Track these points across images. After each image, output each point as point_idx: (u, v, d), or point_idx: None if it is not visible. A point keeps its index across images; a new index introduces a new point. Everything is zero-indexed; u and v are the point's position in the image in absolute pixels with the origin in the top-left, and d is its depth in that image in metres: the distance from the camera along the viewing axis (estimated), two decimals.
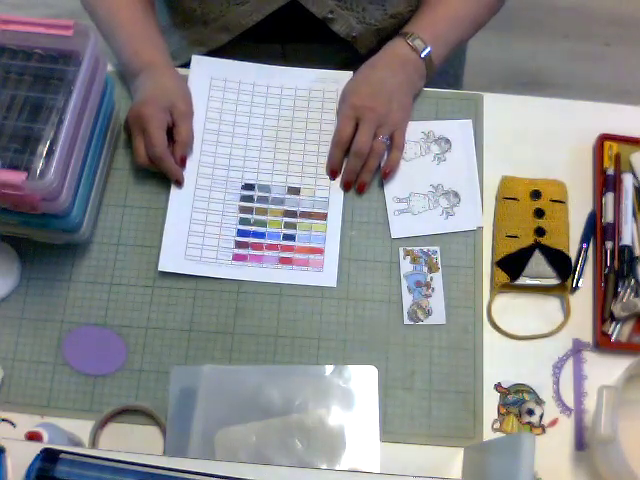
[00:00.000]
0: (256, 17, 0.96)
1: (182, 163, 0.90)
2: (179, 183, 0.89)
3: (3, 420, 0.81)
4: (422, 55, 0.91)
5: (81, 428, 0.80)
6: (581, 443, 0.81)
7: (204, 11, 0.98)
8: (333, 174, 0.91)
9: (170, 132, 0.89)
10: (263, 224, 0.89)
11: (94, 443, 0.79)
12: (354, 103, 0.90)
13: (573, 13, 1.95)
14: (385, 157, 0.91)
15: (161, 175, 0.90)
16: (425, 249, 0.88)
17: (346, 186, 0.91)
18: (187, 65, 0.98)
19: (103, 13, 0.94)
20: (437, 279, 0.87)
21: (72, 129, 0.77)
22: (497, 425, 0.82)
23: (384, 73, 0.91)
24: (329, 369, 0.83)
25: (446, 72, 1.14)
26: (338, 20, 0.97)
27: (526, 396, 0.83)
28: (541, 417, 0.82)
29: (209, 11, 0.97)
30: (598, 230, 0.88)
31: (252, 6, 0.95)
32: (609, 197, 0.89)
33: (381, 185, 0.92)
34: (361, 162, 0.89)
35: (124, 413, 0.82)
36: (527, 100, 0.97)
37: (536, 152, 0.94)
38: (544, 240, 0.88)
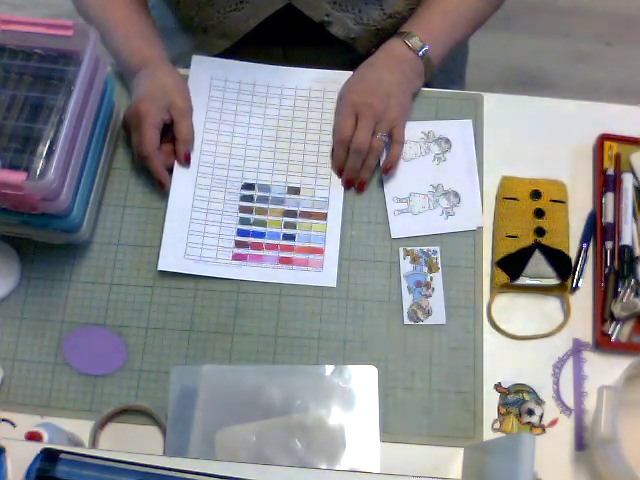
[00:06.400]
0: (253, 22, 0.96)
1: (186, 160, 0.90)
2: (162, 185, 0.89)
3: (3, 420, 0.81)
4: (420, 54, 0.91)
5: (81, 428, 0.80)
6: (581, 443, 0.81)
7: (202, 19, 0.98)
8: (341, 173, 0.91)
9: (170, 130, 0.89)
10: (263, 224, 0.89)
11: (94, 443, 0.79)
12: (352, 100, 0.90)
13: (573, 13, 1.95)
14: (385, 154, 0.91)
15: None
16: (425, 249, 0.88)
17: (347, 184, 0.91)
18: (189, 67, 0.98)
19: (96, 14, 0.94)
20: (437, 279, 0.87)
21: (72, 129, 0.77)
22: (497, 425, 0.82)
23: (381, 71, 0.91)
24: (329, 369, 0.83)
25: (450, 70, 1.13)
26: (335, 23, 0.97)
27: (526, 396, 0.83)
28: (541, 417, 0.82)
29: (207, 18, 0.98)
30: (598, 230, 0.88)
31: (248, 12, 0.95)
32: (609, 197, 0.89)
33: (381, 185, 0.92)
34: (361, 159, 0.89)
35: (124, 413, 0.82)
36: (527, 100, 0.97)
37: (536, 152, 0.94)
38: (544, 240, 0.88)
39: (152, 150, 0.86)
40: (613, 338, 0.84)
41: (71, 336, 0.85)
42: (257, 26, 0.97)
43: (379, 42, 0.97)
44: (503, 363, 0.84)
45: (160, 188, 0.89)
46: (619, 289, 0.85)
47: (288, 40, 1.04)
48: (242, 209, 0.90)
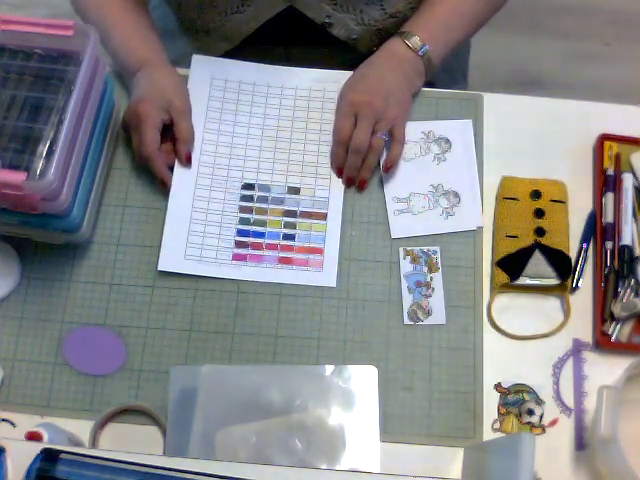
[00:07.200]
0: (254, 24, 0.96)
1: (188, 160, 0.90)
2: (164, 185, 0.89)
3: (3, 420, 0.81)
4: (419, 53, 0.91)
5: (81, 428, 0.80)
6: (581, 443, 0.81)
7: (203, 21, 0.98)
8: (340, 172, 0.91)
9: (169, 130, 0.89)
10: (263, 224, 0.89)
11: (94, 443, 0.79)
12: (352, 99, 0.90)
13: (573, 13, 1.95)
14: (385, 153, 0.91)
15: None
16: (425, 249, 0.88)
17: (348, 182, 0.91)
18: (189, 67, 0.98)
19: (94, 15, 0.94)
20: (437, 279, 0.87)
21: (72, 129, 0.77)
22: (497, 425, 0.82)
23: (381, 70, 0.91)
24: (329, 369, 0.83)
25: (453, 69, 1.14)
26: (336, 24, 0.97)
27: (526, 396, 0.83)
28: (541, 417, 0.82)
29: (209, 21, 0.98)
30: (598, 230, 0.88)
31: (249, 14, 0.95)
32: (609, 197, 0.89)
33: (381, 185, 0.92)
34: (360, 158, 0.89)
35: (124, 413, 0.82)
36: (527, 100, 0.97)
37: (536, 152, 0.94)
38: (544, 240, 0.88)
39: (153, 150, 0.86)
40: (613, 338, 0.84)
41: (71, 336, 0.85)
42: (259, 28, 0.97)
43: (381, 42, 0.97)
44: (503, 363, 0.84)
45: (162, 187, 0.89)
46: (619, 289, 0.85)
47: (290, 41, 1.04)
48: (242, 209, 0.90)
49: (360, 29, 0.98)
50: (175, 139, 0.89)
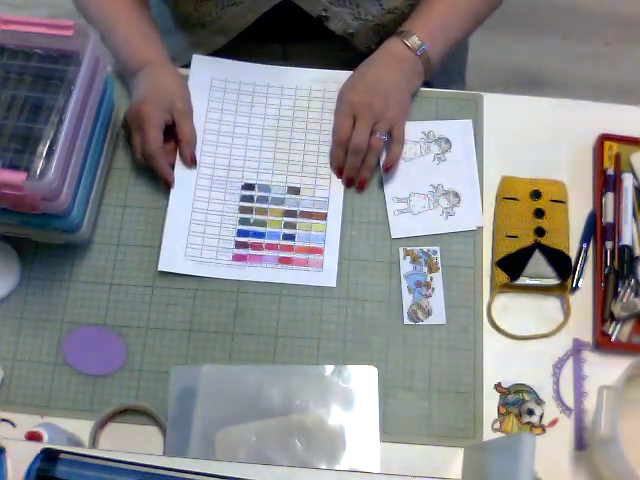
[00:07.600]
0: (251, 17, 0.96)
1: (192, 162, 0.90)
2: (168, 184, 0.89)
3: (3, 420, 0.81)
4: (418, 53, 0.91)
5: (81, 428, 0.80)
6: (581, 443, 0.81)
7: (200, 14, 0.98)
8: (339, 172, 0.91)
9: (170, 130, 0.89)
10: (263, 224, 0.89)
11: (94, 443, 0.79)
12: (351, 100, 0.90)
13: (573, 13, 1.95)
14: (385, 153, 0.91)
15: None
16: (425, 249, 0.88)
17: (347, 183, 0.91)
18: (188, 66, 0.98)
19: (97, 13, 0.94)
20: (437, 279, 0.87)
21: (72, 129, 0.77)
22: (497, 425, 0.82)
23: (380, 70, 0.91)
24: (329, 369, 0.83)
25: (451, 69, 1.14)
26: (333, 18, 0.97)
27: (526, 396, 0.83)
28: (541, 417, 0.82)
29: (205, 14, 0.98)
30: (598, 230, 0.88)
31: (246, 6, 0.95)
32: (609, 197, 0.89)
33: (381, 185, 0.92)
34: (360, 159, 0.89)
35: (124, 413, 0.82)
36: (527, 100, 0.98)
37: (536, 152, 0.94)
38: (544, 240, 0.88)
39: (156, 149, 0.87)
40: (613, 338, 0.84)
41: (71, 336, 0.85)
42: (256, 23, 0.97)
43: (379, 39, 0.97)
44: (503, 363, 0.84)
45: (165, 187, 0.90)
46: (619, 289, 0.85)
47: (287, 37, 1.04)
48: (242, 209, 0.90)
49: (357, 24, 0.98)
50: (178, 141, 0.89)
